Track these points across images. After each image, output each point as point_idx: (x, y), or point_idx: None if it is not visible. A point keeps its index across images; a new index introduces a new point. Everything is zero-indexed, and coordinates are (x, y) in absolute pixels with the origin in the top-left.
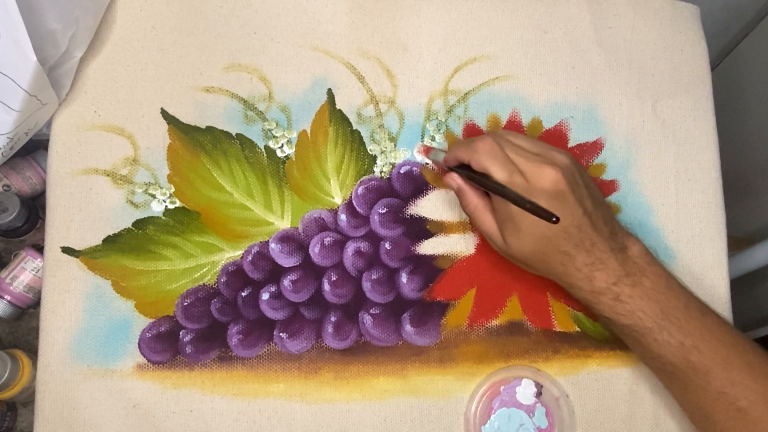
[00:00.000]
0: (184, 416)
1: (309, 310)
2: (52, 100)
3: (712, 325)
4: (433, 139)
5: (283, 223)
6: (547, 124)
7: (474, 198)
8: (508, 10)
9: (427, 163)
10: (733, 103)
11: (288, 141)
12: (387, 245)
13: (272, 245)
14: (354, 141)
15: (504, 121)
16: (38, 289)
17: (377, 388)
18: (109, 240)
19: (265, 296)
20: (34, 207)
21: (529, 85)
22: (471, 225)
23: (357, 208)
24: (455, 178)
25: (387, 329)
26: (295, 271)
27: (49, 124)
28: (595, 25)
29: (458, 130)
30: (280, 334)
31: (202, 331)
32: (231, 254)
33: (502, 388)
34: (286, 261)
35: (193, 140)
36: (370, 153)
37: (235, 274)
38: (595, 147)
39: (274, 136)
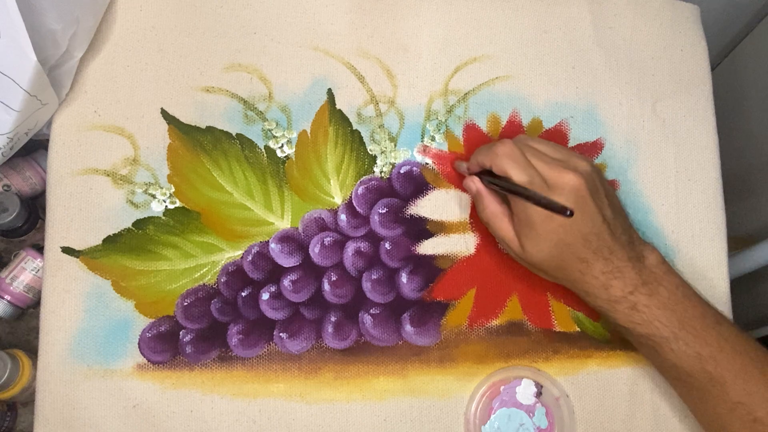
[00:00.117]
0: (184, 416)
1: (309, 310)
2: (52, 100)
3: (728, 334)
4: (433, 139)
5: (283, 223)
6: (547, 124)
7: (492, 203)
8: (508, 10)
9: (427, 163)
10: (733, 103)
11: (288, 141)
12: (387, 245)
13: (272, 245)
14: (354, 141)
15: (504, 121)
16: (38, 289)
17: (377, 388)
18: (109, 240)
19: (265, 296)
20: (34, 207)
21: (529, 85)
22: (472, 226)
23: (357, 208)
24: (475, 182)
25: (387, 329)
26: (295, 271)
27: (49, 124)
28: (595, 25)
29: (458, 130)
30: (280, 334)
31: (202, 331)
32: (231, 254)
33: (502, 388)
34: (286, 261)
35: (193, 140)
36: (370, 153)
37: (235, 274)
38: (595, 147)
39: (274, 136)
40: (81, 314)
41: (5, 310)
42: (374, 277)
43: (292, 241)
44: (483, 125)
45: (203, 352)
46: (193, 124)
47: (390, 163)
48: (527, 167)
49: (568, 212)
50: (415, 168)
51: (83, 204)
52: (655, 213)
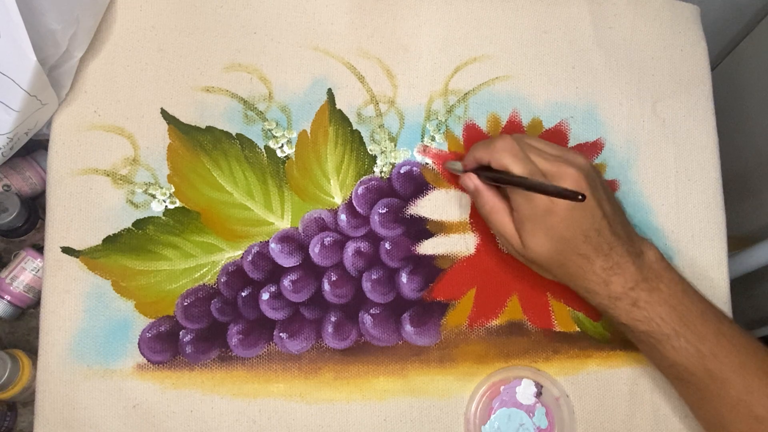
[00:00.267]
0: (184, 416)
1: (309, 310)
2: (52, 100)
3: (728, 331)
4: (433, 139)
5: (283, 223)
6: (547, 124)
7: (491, 199)
8: (508, 10)
9: (427, 163)
10: (733, 103)
11: (288, 141)
12: (387, 245)
13: (272, 245)
14: (354, 141)
15: (504, 121)
16: (38, 289)
17: (377, 388)
18: (109, 240)
19: (265, 296)
20: (34, 207)
21: (529, 85)
22: (472, 226)
23: (357, 208)
24: (472, 179)
25: (387, 329)
26: (295, 271)
27: (49, 124)
28: (595, 25)
29: (458, 130)
30: (280, 334)
31: (202, 331)
32: (231, 254)
33: (502, 388)
34: (286, 261)
35: (193, 140)
36: (370, 153)
37: (235, 274)
38: (595, 147)
39: (274, 136)
40: (81, 314)
41: (5, 310)
42: (374, 277)
43: (292, 241)
44: (483, 125)
45: (203, 352)
46: (193, 124)
47: (390, 163)
48: (527, 161)
49: (580, 196)
50: (415, 168)
51: (83, 204)
52: (655, 213)
